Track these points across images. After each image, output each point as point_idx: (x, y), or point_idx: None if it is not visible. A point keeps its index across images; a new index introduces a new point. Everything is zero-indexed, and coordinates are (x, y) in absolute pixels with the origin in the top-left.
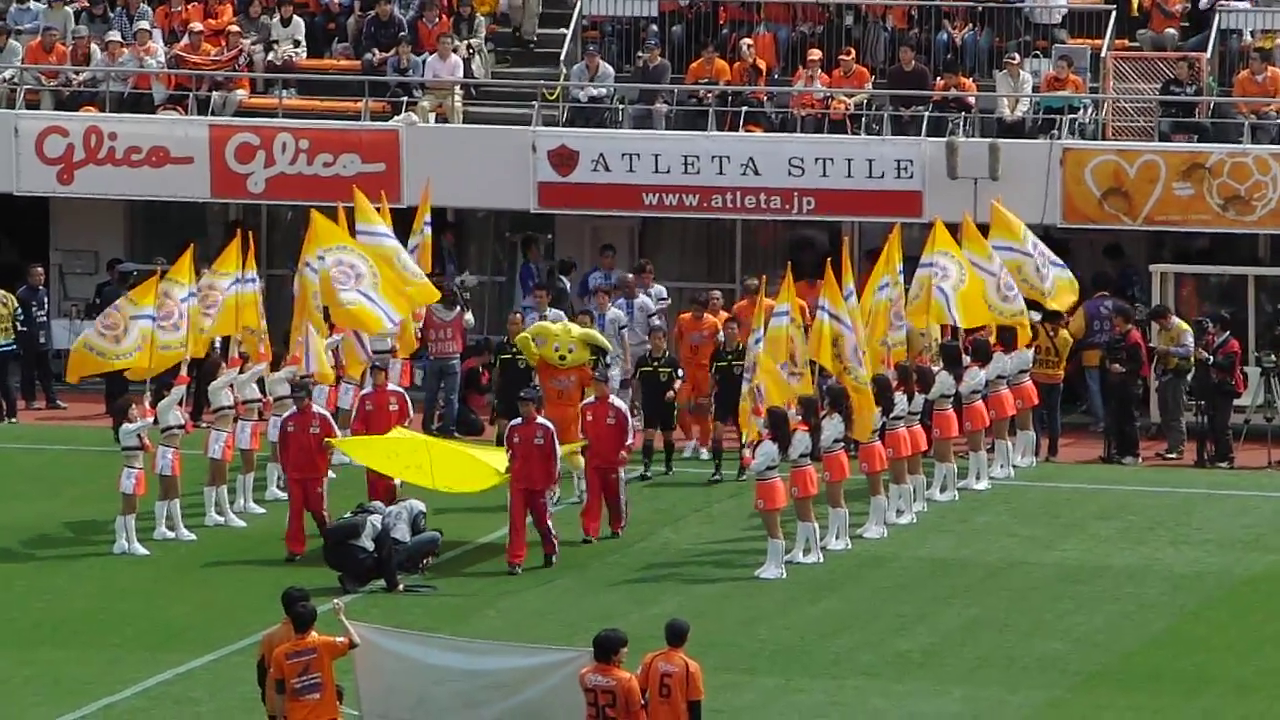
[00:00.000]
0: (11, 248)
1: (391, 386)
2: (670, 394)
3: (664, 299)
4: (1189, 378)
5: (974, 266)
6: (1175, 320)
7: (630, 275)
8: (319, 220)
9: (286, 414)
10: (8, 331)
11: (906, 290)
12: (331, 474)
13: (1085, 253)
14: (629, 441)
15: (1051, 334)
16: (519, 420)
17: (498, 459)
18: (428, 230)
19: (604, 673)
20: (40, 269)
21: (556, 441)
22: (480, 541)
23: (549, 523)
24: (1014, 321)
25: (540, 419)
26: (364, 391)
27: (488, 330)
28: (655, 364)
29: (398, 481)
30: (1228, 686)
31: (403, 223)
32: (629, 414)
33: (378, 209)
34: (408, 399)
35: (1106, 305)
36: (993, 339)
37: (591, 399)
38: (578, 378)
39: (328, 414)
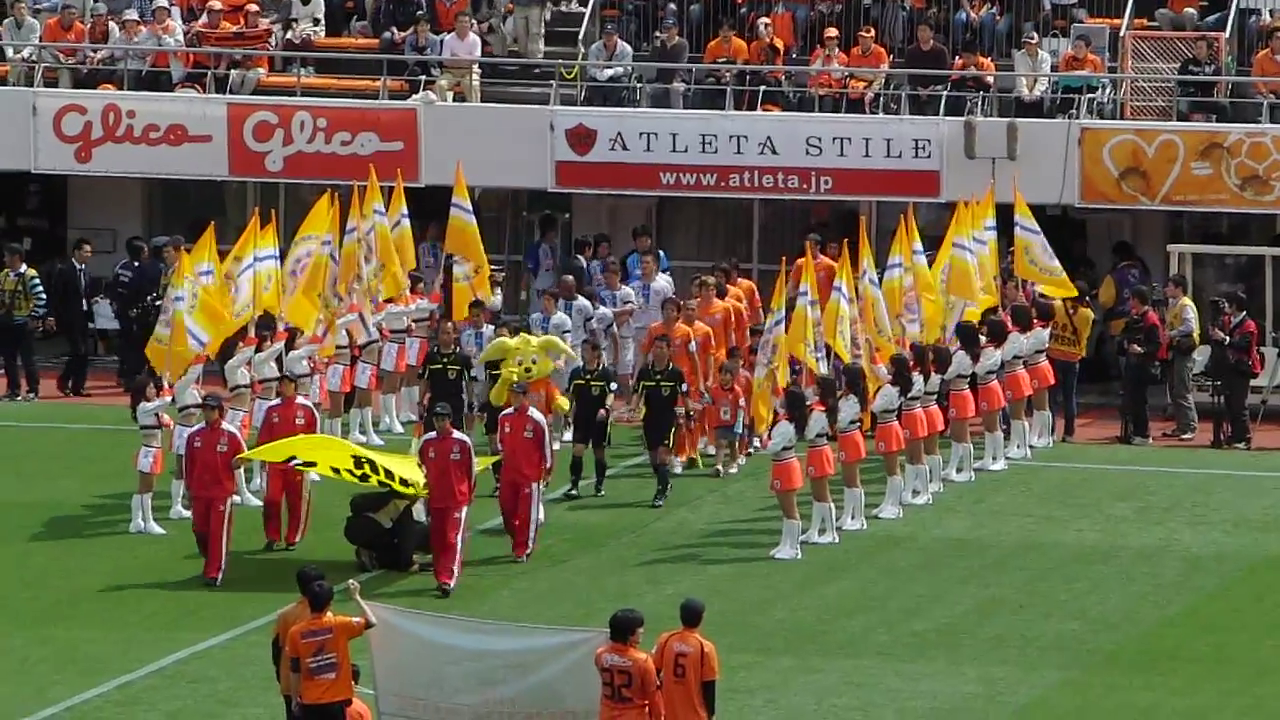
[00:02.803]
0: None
1: (300, 400)
2: (603, 410)
3: (669, 294)
4: (1195, 356)
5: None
6: (1182, 299)
7: (569, 277)
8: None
9: (194, 429)
10: (22, 308)
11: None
12: (237, 497)
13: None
14: (549, 464)
15: (1071, 312)
16: (433, 435)
17: (414, 473)
18: (454, 211)
19: (620, 653)
20: (89, 247)
21: (473, 457)
22: (495, 523)
23: (458, 549)
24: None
25: (457, 434)
26: (271, 403)
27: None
28: (588, 377)
29: (315, 477)
30: (1244, 667)
31: (417, 200)
32: (547, 427)
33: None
34: (316, 414)
35: (1134, 273)
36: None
37: (510, 410)
38: (546, 394)
39: (237, 432)
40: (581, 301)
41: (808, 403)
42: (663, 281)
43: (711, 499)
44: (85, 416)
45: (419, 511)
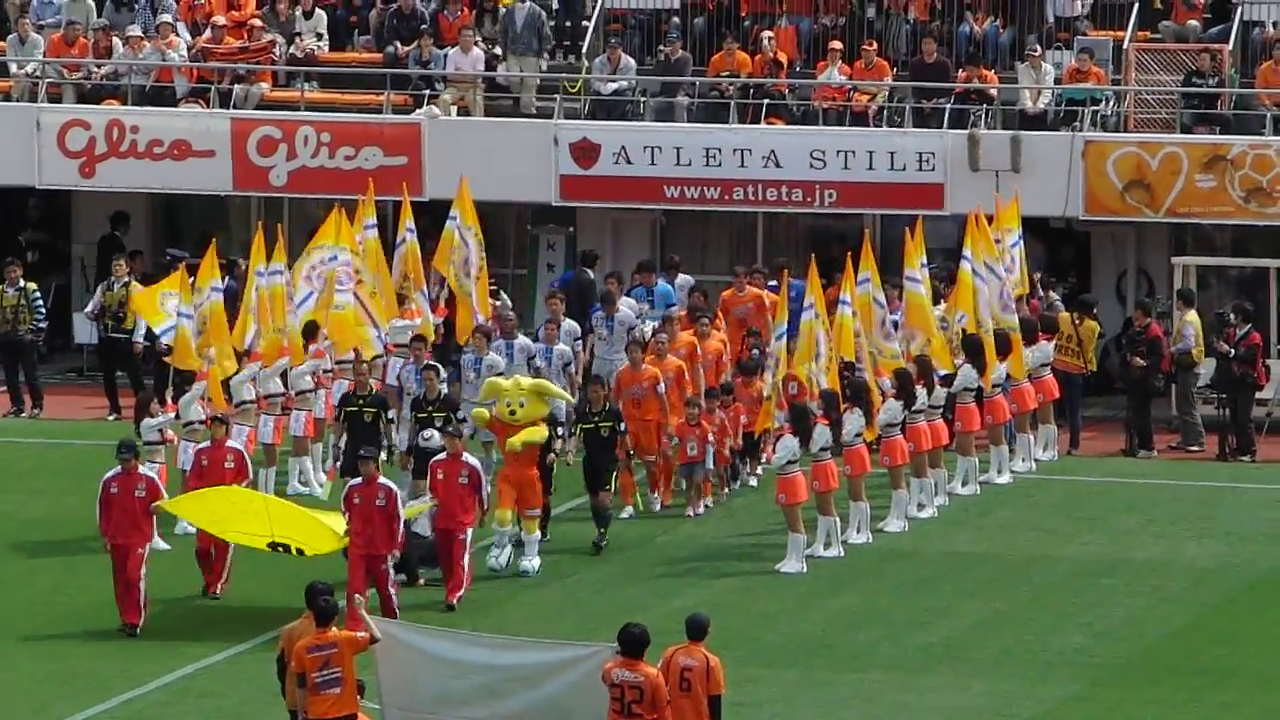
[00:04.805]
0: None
1: (230, 443)
2: (551, 454)
3: (633, 324)
4: (1199, 369)
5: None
6: (1186, 314)
7: (511, 315)
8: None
9: (110, 474)
10: (26, 321)
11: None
12: (164, 544)
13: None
14: (485, 507)
15: (1077, 323)
16: (359, 480)
17: (337, 522)
18: (448, 225)
19: (631, 668)
20: (123, 263)
21: (400, 502)
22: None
23: (391, 590)
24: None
25: (382, 479)
26: (200, 446)
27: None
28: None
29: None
30: (1250, 680)
31: (421, 214)
32: (483, 472)
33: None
34: (246, 457)
35: None
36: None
37: (443, 455)
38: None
39: (155, 477)
40: (523, 340)
41: (812, 416)
42: (626, 311)
43: (717, 513)
44: (89, 432)
45: (423, 526)
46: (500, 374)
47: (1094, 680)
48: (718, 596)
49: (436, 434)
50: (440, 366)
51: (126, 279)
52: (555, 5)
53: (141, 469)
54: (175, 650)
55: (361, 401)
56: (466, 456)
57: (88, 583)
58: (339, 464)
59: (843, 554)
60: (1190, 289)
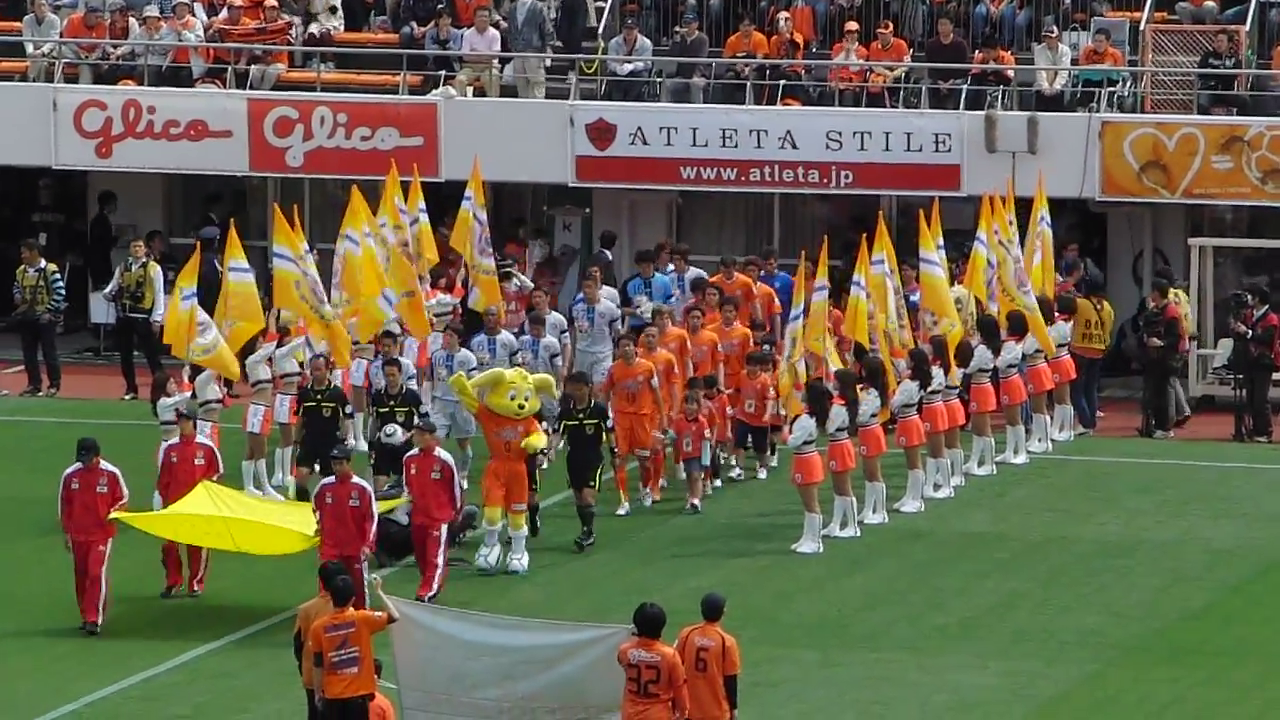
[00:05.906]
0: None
1: (200, 439)
2: (540, 456)
3: (615, 317)
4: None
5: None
6: (1168, 294)
7: (494, 310)
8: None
9: (70, 470)
10: (44, 302)
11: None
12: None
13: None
14: (458, 504)
15: (1097, 307)
16: (331, 479)
17: (305, 521)
18: (464, 205)
19: (647, 648)
20: (141, 243)
21: (374, 502)
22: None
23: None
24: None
25: (356, 479)
26: (169, 443)
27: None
28: None
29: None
30: (1266, 660)
31: (435, 197)
32: (455, 468)
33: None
34: (216, 453)
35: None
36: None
37: (416, 450)
38: (525, 429)
39: (117, 473)
40: (505, 335)
41: (829, 396)
42: (608, 303)
43: (732, 494)
44: (105, 412)
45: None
46: (473, 370)
47: (1110, 660)
48: (733, 576)
49: (399, 429)
50: (402, 362)
51: (144, 259)
52: (555, 13)
53: (103, 464)
54: (190, 630)
55: (320, 396)
56: (439, 451)
57: None
58: (297, 459)
59: (859, 534)
60: (1170, 270)
